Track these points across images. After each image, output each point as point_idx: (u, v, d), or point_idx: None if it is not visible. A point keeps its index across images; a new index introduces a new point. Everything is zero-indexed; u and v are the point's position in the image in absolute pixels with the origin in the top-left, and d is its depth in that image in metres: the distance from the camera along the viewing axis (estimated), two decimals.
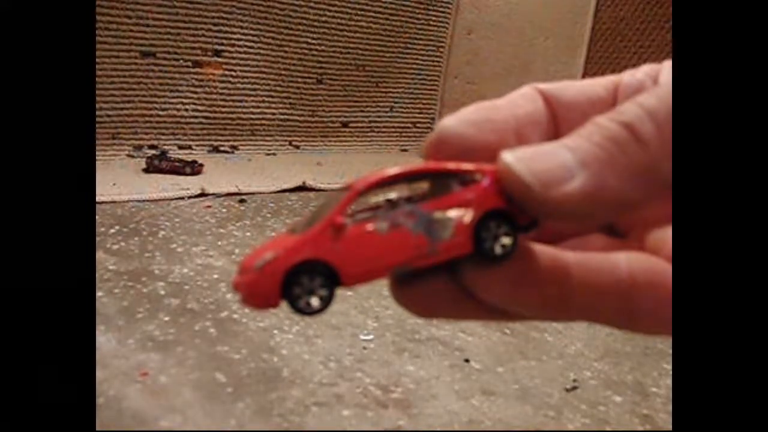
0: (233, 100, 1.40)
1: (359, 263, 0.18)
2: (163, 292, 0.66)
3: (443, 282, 0.20)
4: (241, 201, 1.04)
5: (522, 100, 0.22)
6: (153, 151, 1.24)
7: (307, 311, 0.19)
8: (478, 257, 0.18)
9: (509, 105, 0.22)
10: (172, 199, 1.00)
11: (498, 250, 0.18)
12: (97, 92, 1.22)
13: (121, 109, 1.26)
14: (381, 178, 0.19)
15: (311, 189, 1.16)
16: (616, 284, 0.20)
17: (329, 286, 0.18)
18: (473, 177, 0.19)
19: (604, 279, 0.20)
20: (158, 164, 1.15)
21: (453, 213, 0.18)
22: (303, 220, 0.19)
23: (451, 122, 0.21)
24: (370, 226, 0.18)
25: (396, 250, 0.18)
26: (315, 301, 0.18)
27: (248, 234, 0.88)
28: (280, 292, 0.18)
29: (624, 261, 0.21)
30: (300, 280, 0.18)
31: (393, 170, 0.19)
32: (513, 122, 0.22)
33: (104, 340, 0.54)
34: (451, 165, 0.19)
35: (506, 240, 0.18)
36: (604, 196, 0.18)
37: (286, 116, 1.48)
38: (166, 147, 1.29)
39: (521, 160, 0.18)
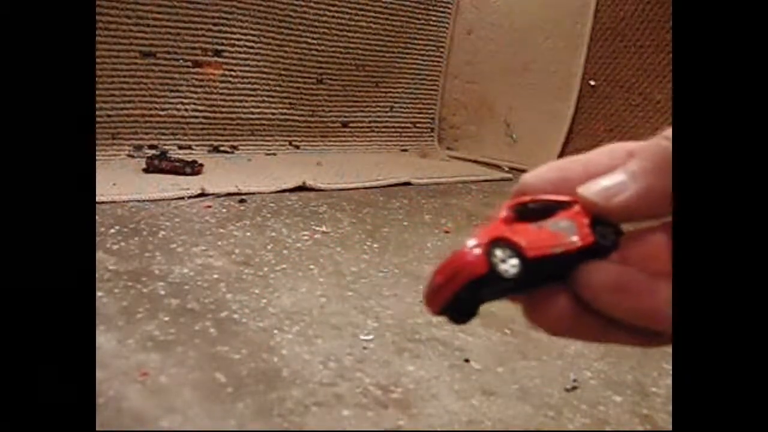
0: (233, 100, 1.40)
1: (530, 242, 0.26)
2: (163, 292, 0.66)
3: (566, 301, 0.27)
4: (241, 201, 1.04)
5: (603, 158, 0.29)
6: (153, 151, 1.24)
7: (504, 276, 0.25)
8: (599, 249, 0.26)
9: (586, 164, 0.29)
10: (172, 199, 1.00)
11: (609, 241, 0.26)
12: (97, 92, 1.22)
13: (121, 109, 1.26)
14: (518, 202, 0.28)
15: (311, 189, 1.16)
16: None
17: (516, 255, 0.25)
18: (570, 204, 0.27)
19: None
20: (158, 164, 1.15)
21: (570, 221, 0.27)
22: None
23: (532, 180, 0.28)
24: (526, 225, 0.26)
25: (549, 239, 0.26)
26: (511, 268, 0.25)
27: (248, 234, 0.88)
28: (486, 256, 0.25)
29: None
30: (494, 251, 0.25)
31: (522, 199, 0.28)
32: (584, 178, 0.28)
33: (104, 340, 0.54)
34: (560, 198, 0.28)
35: (612, 235, 0.26)
36: (652, 197, 0.26)
37: (286, 116, 1.48)
38: (166, 147, 1.29)
39: (588, 188, 0.27)
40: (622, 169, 0.26)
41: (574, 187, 0.28)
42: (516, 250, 0.25)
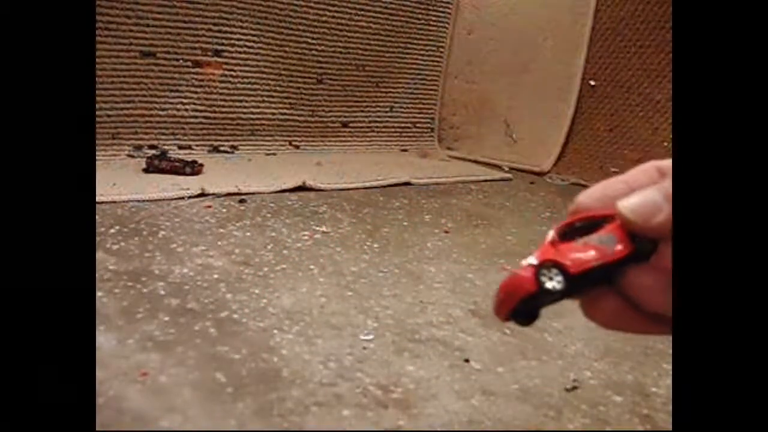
0: (233, 100, 1.40)
1: (572, 260, 0.31)
2: (163, 292, 0.66)
3: (616, 300, 0.32)
4: (241, 201, 1.04)
5: (640, 176, 0.34)
6: (153, 151, 1.24)
7: (553, 291, 0.31)
8: (639, 255, 0.31)
9: (626, 181, 0.34)
10: (172, 199, 1.00)
11: (648, 247, 0.31)
12: (97, 92, 1.22)
13: (121, 109, 1.26)
14: (567, 223, 0.33)
15: (311, 189, 1.16)
16: None
17: (562, 273, 0.31)
18: (612, 218, 0.32)
19: None
20: (158, 164, 1.15)
21: (612, 234, 0.32)
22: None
23: (583, 199, 0.34)
24: (572, 243, 0.32)
25: (591, 254, 0.31)
26: (556, 284, 0.31)
27: (248, 234, 0.88)
28: (535, 278, 0.31)
29: None
30: (543, 271, 0.31)
31: (571, 218, 0.34)
32: (628, 193, 0.33)
33: (104, 340, 0.54)
34: (606, 212, 0.33)
35: (649, 243, 0.31)
36: None
37: (286, 116, 1.48)
38: (166, 147, 1.29)
39: (626, 206, 0.31)
40: (656, 188, 0.30)
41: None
42: (561, 269, 0.31)
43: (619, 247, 0.31)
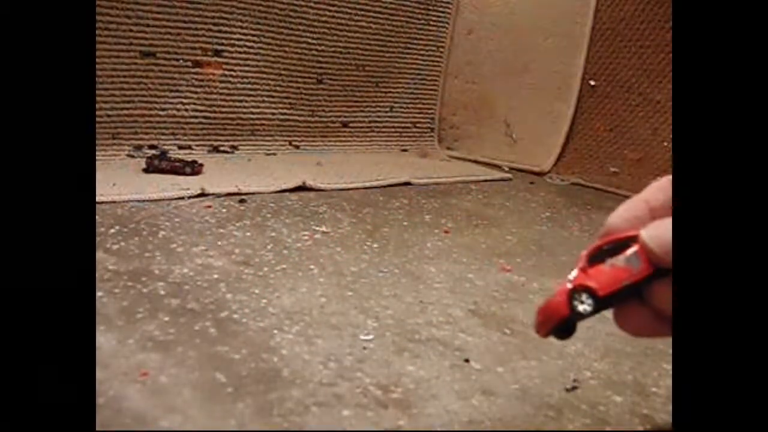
0: (233, 100, 1.40)
1: (601, 283, 0.36)
2: (163, 292, 0.66)
3: (644, 312, 0.36)
4: (241, 201, 1.04)
5: (658, 194, 0.38)
6: (153, 151, 1.24)
7: (584, 313, 0.36)
8: (663, 271, 0.35)
9: (646, 200, 0.39)
10: (172, 199, 1.00)
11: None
12: (97, 92, 1.22)
13: (121, 109, 1.26)
14: (596, 246, 0.38)
15: (311, 189, 1.16)
16: None
17: (592, 296, 0.36)
18: (637, 239, 0.36)
19: None
20: (158, 164, 1.15)
21: (637, 255, 0.36)
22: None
23: (614, 220, 0.39)
24: (601, 267, 0.37)
25: (617, 275, 0.36)
26: (586, 307, 0.36)
27: (248, 234, 0.88)
28: (567, 303, 0.36)
29: None
30: (575, 296, 0.36)
31: (600, 242, 0.38)
32: (649, 213, 0.38)
33: (104, 340, 0.54)
34: (631, 233, 0.37)
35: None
36: None
37: (286, 116, 1.48)
38: (166, 147, 1.29)
39: (650, 236, 0.35)
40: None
41: (644, 223, 0.37)
42: (591, 293, 0.36)
43: (644, 266, 0.35)
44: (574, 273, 0.38)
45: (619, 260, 0.36)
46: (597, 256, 0.37)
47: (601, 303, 0.36)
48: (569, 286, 0.36)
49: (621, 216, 0.38)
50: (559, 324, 0.37)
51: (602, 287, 0.36)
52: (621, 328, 0.39)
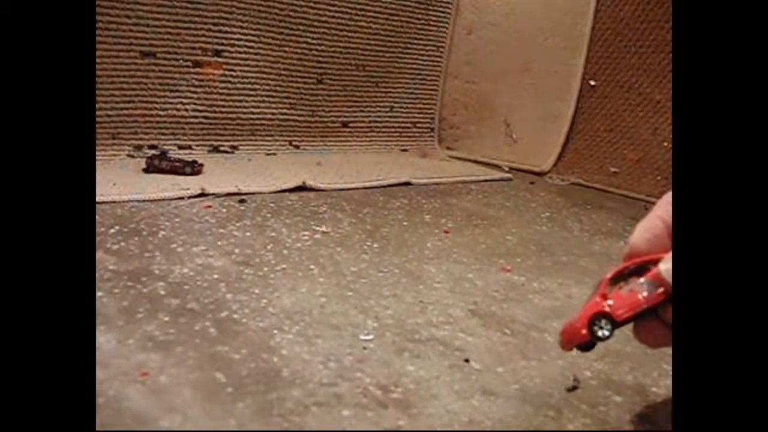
0: (233, 100, 1.40)
1: (620, 309, 0.40)
2: (163, 292, 0.66)
3: (659, 325, 0.40)
4: (241, 201, 1.04)
5: (670, 208, 0.40)
6: (153, 151, 1.24)
7: (603, 337, 0.41)
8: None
9: (662, 217, 0.41)
10: (172, 199, 1.00)
11: None
12: (97, 92, 1.22)
13: (121, 109, 1.26)
14: (617, 270, 0.42)
15: (311, 189, 1.16)
16: None
17: (611, 322, 0.40)
18: (656, 261, 0.40)
19: None
20: (158, 164, 1.15)
21: (654, 281, 0.39)
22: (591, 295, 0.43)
23: (635, 241, 0.42)
24: (620, 291, 0.40)
25: (635, 301, 0.39)
26: (605, 332, 0.40)
27: (248, 234, 0.88)
28: (588, 329, 0.40)
29: None
30: (594, 322, 0.40)
31: (622, 265, 0.42)
32: (666, 230, 0.40)
33: (104, 340, 0.54)
34: (651, 257, 0.40)
35: None
36: None
37: (286, 116, 1.48)
38: (166, 147, 1.29)
39: (667, 270, 0.38)
40: None
41: (662, 241, 0.40)
42: (610, 318, 0.40)
43: (660, 290, 0.38)
44: (595, 294, 0.42)
45: (638, 285, 0.39)
46: (620, 279, 0.41)
47: (619, 326, 0.40)
48: (588, 314, 0.40)
49: (642, 237, 0.41)
50: (581, 345, 0.42)
51: (621, 313, 0.40)
52: (640, 341, 0.43)
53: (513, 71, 1.68)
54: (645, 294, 0.39)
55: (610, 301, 0.40)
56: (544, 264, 0.89)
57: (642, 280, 0.39)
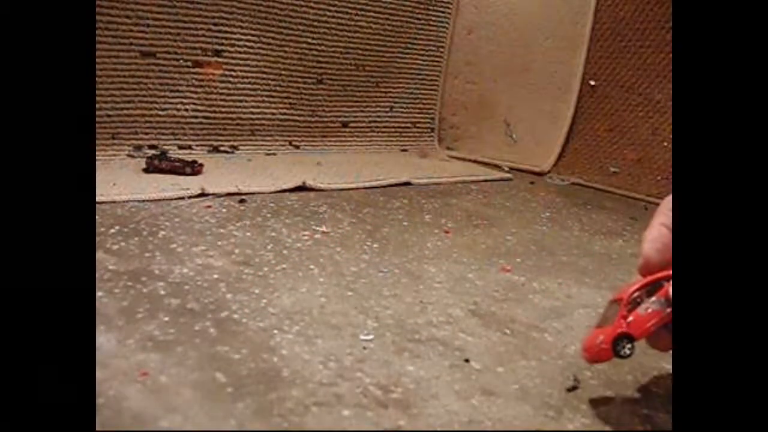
0: (233, 100, 1.40)
1: (639, 330, 0.45)
2: (163, 292, 0.66)
3: (671, 335, 0.43)
4: (241, 201, 1.04)
5: (671, 214, 0.42)
6: (153, 151, 1.24)
7: (625, 356, 0.46)
8: None
9: (667, 225, 0.43)
10: (172, 199, 1.00)
11: None
12: (97, 92, 1.22)
13: (121, 109, 1.26)
14: (635, 289, 0.46)
15: (311, 189, 1.16)
16: None
17: (632, 341, 0.45)
18: (668, 279, 0.44)
19: None
20: (158, 164, 1.15)
21: (665, 299, 0.44)
22: (606, 318, 0.48)
23: (649, 253, 0.45)
24: (638, 311, 0.45)
25: (653, 318, 0.44)
26: (627, 351, 0.45)
27: (248, 234, 0.88)
28: (612, 349, 0.45)
29: None
30: (618, 343, 0.45)
31: (639, 283, 0.46)
32: (671, 236, 0.42)
33: (104, 340, 0.54)
34: (665, 274, 0.45)
35: None
36: None
37: (286, 116, 1.48)
38: (166, 147, 1.29)
39: None
40: None
41: (671, 248, 0.42)
42: (630, 337, 0.45)
43: (669, 310, 0.43)
44: (614, 316, 0.46)
45: (653, 304, 0.44)
46: (636, 298, 0.45)
47: (637, 340, 0.46)
48: (610, 336, 0.45)
49: (652, 248, 0.45)
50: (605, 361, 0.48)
51: (640, 333, 0.45)
52: (652, 346, 0.48)
53: (513, 71, 1.68)
54: (659, 311, 0.44)
55: (630, 318, 0.45)
56: (544, 264, 0.89)
57: (654, 299, 0.44)
